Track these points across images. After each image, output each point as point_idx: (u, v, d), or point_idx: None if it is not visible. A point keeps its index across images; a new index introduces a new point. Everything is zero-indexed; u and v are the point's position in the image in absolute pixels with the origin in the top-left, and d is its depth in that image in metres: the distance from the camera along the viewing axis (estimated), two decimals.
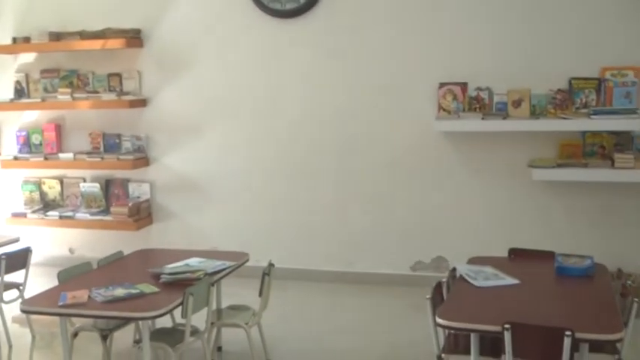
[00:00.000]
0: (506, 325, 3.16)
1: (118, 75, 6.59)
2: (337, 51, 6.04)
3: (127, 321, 4.17)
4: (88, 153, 6.65)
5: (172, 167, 6.58)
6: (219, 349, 4.78)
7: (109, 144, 6.70)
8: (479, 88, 5.69)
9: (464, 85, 5.72)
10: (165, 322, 4.31)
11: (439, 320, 3.31)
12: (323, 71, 6.09)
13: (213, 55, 6.34)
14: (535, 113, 5.59)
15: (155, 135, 6.59)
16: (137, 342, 4.44)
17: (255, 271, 4.49)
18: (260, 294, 4.39)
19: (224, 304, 4.65)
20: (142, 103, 6.53)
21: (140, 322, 3.96)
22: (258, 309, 4.46)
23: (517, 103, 5.61)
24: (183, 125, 6.47)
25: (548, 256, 4.13)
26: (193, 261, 4.44)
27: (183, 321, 3.92)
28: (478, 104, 5.71)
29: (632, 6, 5.40)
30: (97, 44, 6.34)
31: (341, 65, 6.05)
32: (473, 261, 4.20)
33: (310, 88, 6.14)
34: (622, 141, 5.51)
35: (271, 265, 4.45)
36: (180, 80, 6.44)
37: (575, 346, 3.19)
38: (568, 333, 3.08)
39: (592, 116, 5.32)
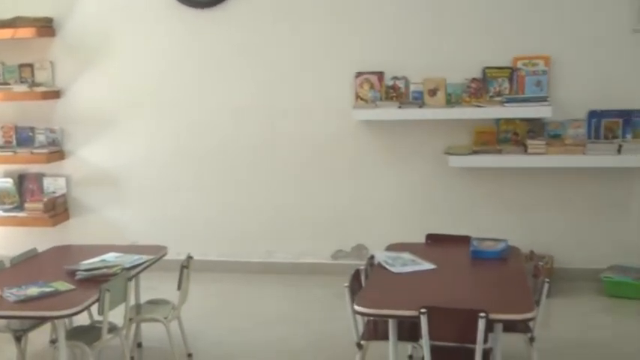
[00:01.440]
0: (422, 310, 3.22)
1: (30, 65, 6.38)
2: (255, 41, 6.01)
3: (42, 321, 4.07)
4: (0, 147, 6.44)
5: (89, 160, 6.43)
6: (139, 345, 4.71)
7: (21, 137, 6.49)
8: (395, 78, 5.76)
9: (380, 75, 5.78)
10: (83, 320, 4.23)
11: (357, 308, 3.35)
12: (241, 61, 6.06)
13: (129, 45, 6.22)
14: (450, 102, 5.70)
15: (70, 127, 6.42)
16: (53, 342, 4.33)
17: (176, 265, 4.42)
18: (179, 287, 4.35)
19: (143, 299, 4.58)
20: (56, 94, 6.35)
21: (55, 321, 3.86)
22: (177, 303, 4.42)
23: (433, 92, 5.70)
24: (100, 117, 6.33)
25: (464, 240, 4.23)
26: (110, 256, 4.35)
27: (101, 318, 3.85)
28: (395, 93, 5.78)
29: None
30: (6, 33, 6.11)
31: (259, 55, 6.02)
32: (391, 248, 4.27)
33: (228, 78, 6.10)
34: (534, 128, 5.67)
35: (190, 257, 4.41)
36: (95, 70, 6.29)
37: (490, 326, 3.28)
38: (482, 314, 3.17)
39: (505, 104, 5.46)
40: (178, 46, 6.14)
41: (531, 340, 3.75)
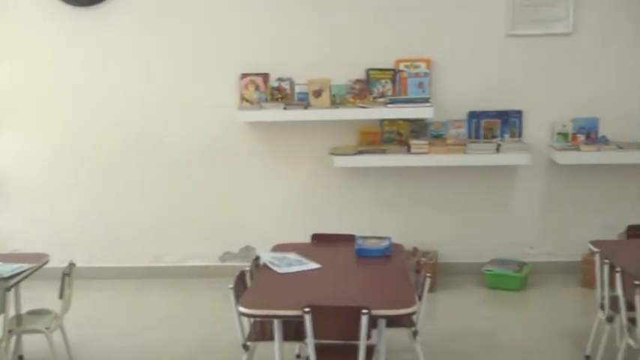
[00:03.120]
0: (306, 309, 3.25)
1: None
2: (138, 42, 5.92)
3: None
4: None
5: None
6: (21, 357, 4.54)
7: None
8: (280, 79, 5.80)
9: (265, 76, 5.80)
10: None
11: (241, 309, 3.36)
12: (125, 60, 5.95)
13: (8, 43, 5.98)
14: (335, 103, 5.77)
15: None
16: None
17: (59, 273, 4.28)
18: (60, 296, 4.22)
19: (25, 310, 4.42)
20: None
21: None
22: (60, 312, 4.29)
23: (317, 93, 5.77)
24: None
25: (349, 239, 4.30)
26: None
27: None
28: (280, 94, 5.81)
29: (425, 1, 5.73)
30: None
31: (142, 56, 5.93)
32: (277, 248, 4.29)
33: (112, 80, 5.98)
34: (417, 128, 5.83)
35: (72, 264, 4.29)
36: None
37: (373, 322, 3.36)
38: (365, 311, 3.22)
39: (389, 105, 5.59)
40: (59, 45, 5.97)
41: (415, 333, 3.85)
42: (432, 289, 4.61)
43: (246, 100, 5.81)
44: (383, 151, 5.65)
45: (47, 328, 4.16)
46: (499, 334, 4.84)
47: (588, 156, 5.58)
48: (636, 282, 3.56)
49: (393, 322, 3.69)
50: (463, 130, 5.81)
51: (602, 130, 5.75)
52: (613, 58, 5.70)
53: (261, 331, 3.81)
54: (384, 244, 4.19)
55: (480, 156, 5.61)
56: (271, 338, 3.56)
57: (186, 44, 5.89)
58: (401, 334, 3.93)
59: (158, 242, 6.15)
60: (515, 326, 4.98)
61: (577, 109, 5.77)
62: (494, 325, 4.99)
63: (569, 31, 5.66)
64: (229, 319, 3.77)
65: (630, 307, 3.70)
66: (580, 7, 5.63)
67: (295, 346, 4.30)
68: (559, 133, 5.78)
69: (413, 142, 5.65)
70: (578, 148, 5.63)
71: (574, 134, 5.76)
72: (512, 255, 5.90)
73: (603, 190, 5.87)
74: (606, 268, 3.99)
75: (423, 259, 4.29)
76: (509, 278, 5.63)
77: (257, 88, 5.80)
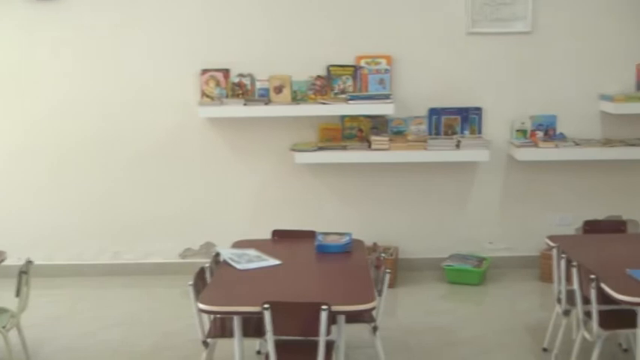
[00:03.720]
0: (265, 305, 3.25)
1: None
2: (97, 37, 5.83)
3: None
4: None
5: None
6: None
7: None
8: (241, 75, 5.77)
9: (226, 72, 5.77)
10: None
11: (201, 305, 3.35)
12: (82, 57, 5.85)
13: None
14: (296, 99, 5.76)
15: None
16: None
17: (17, 270, 4.20)
18: (17, 294, 4.16)
19: None
20: None
21: None
22: (16, 310, 4.22)
23: (278, 89, 5.76)
24: None
25: (310, 235, 4.32)
26: None
27: None
28: (241, 90, 5.79)
29: None
30: None
31: (101, 52, 5.84)
32: (237, 244, 4.29)
33: (69, 73, 5.87)
34: (378, 124, 5.85)
35: (29, 262, 4.22)
36: None
37: (333, 318, 3.37)
38: (324, 307, 3.23)
39: (349, 101, 5.59)
40: (16, 40, 5.85)
41: (375, 329, 3.88)
42: (392, 285, 4.63)
43: (207, 96, 5.77)
44: (344, 148, 5.66)
45: (3, 327, 4.09)
46: (459, 329, 4.89)
47: (546, 152, 5.66)
48: (592, 276, 3.62)
49: (353, 317, 3.72)
50: (423, 127, 5.85)
51: (560, 127, 5.85)
52: (571, 57, 5.79)
53: (221, 328, 3.81)
54: (345, 240, 4.21)
55: (440, 152, 5.65)
56: (231, 335, 3.57)
57: (146, 39, 5.82)
58: (361, 329, 3.95)
59: (118, 239, 6.08)
60: (475, 320, 5.04)
61: (535, 107, 5.85)
62: (454, 320, 5.04)
63: (528, 29, 5.73)
64: (189, 316, 3.77)
65: (586, 300, 3.76)
66: (539, 7, 5.70)
67: (256, 343, 4.31)
68: (518, 130, 5.86)
69: (373, 138, 5.68)
70: (536, 145, 5.71)
71: (532, 131, 5.85)
72: (471, 250, 5.97)
73: (561, 186, 5.97)
74: (563, 263, 4.07)
75: (383, 254, 4.30)
76: (469, 273, 5.69)
77: (218, 83, 5.77)
